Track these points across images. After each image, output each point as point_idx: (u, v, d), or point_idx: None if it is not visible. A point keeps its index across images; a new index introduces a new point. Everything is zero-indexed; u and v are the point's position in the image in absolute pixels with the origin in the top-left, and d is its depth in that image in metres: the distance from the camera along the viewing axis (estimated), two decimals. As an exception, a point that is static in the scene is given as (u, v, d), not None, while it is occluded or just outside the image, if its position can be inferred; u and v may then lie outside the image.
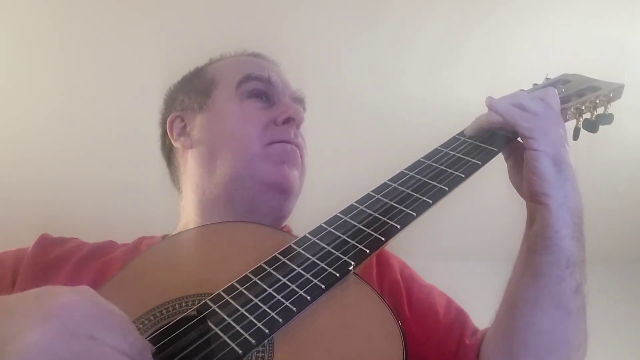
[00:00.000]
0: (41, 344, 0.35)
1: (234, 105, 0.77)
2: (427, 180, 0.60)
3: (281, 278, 0.51)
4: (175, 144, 0.81)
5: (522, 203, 0.65)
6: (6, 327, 0.36)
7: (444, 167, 0.62)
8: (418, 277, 0.78)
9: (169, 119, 0.82)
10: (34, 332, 0.35)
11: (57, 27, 1.80)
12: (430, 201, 0.58)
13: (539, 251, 0.60)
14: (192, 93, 0.82)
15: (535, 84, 0.79)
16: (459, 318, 0.72)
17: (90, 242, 0.76)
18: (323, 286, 0.49)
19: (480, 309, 0.74)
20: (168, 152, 0.85)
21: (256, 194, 0.73)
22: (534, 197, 0.61)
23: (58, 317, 0.37)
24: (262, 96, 0.78)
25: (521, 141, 0.67)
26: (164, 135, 0.84)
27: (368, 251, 0.53)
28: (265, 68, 0.80)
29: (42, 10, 1.75)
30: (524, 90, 0.74)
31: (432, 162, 0.63)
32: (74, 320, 0.37)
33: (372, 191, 0.61)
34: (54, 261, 0.71)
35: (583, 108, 0.72)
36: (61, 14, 1.75)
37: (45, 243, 0.74)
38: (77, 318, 0.37)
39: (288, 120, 0.76)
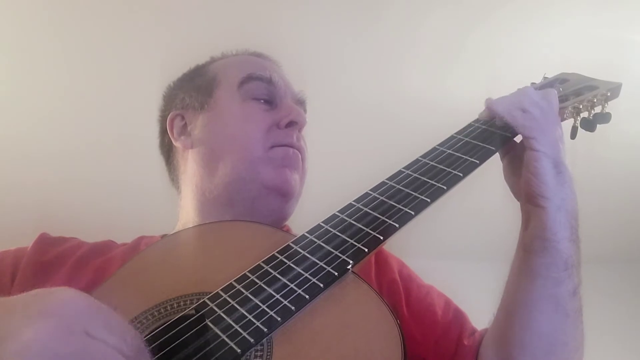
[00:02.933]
0: (39, 342, 0.35)
1: (236, 106, 0.77)
2: (425, 179, 0.60)
3: (280, 277, 0.51)
4: (176, 143, 0.80)
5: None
6: (4, 325, 0.36)
7: (442, 165, 0.62)
8: (417, 277, 0.78)
9: (169, 117, 0.81)
10: (31, 329, 0.35)
11: (56, 26, 1.80)
12: (429, 200, 0.58)
13: (536, 253, 0.60)
14: (192, 91, 0.81)
15: (533, 83, 0.79)
16: (457, 318, 0.72)
17: (89, 241, 0.76)
18: (322, 285, 0.50)
19: (479, 309, 0.74)
20: (167, 150, 0.84)
21: (257, 197, 0.73)
22: (531, 198, 0.61)
23: (55, 315, 0.37)
24: (265, 97, 0.78)
25: (517, 141, 0.67)
26: (163, 132, 0.84)
27: (366, 250, 0.53)
28: (267, 68, 0.80)
29: (42, 10, 1.75)
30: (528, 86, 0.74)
31: (430, 160, 0.63)
32: (70, 317, 0.37)
33: (370, 190, 0.61)
34: (53, 260, 0.71)
35: (581, 107, 0.73)
36: (61, 13, 1.75)
37: (45, 242, 0.74)
38: (73, 315, 0.37)
39: (291, 124, 0.75)
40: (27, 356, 0.34)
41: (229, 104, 0.77)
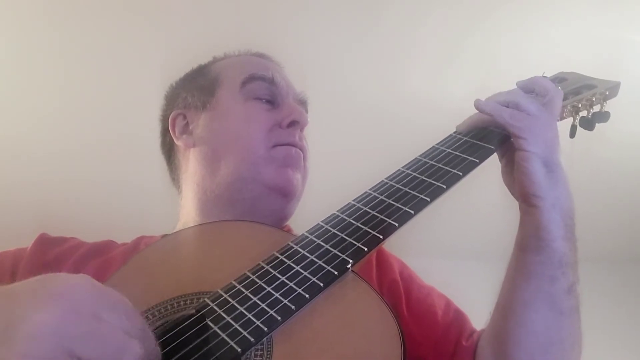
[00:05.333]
0: (49, 324, 0.35)
1: (238, 105, 0.77)
2: (424, 178, 0.60)
3: (280, 276, 0.51)
4: (177, 142, 0.80)
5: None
6: (13, 310, 0.37)
7: (441, 164, 0.62)
8: (417, 278, 0.78)
9: (171, 116, 0.81)
10: (42, 313, 0.36)
11: (56, 26, 1.80)
12: (428, 199, 0.58)
13: (530, 251, 0.61)
14: (195, 91, 0.81)
15: (532, 83, 0.79)
16: (457, 319, 0.72)
17: (89, 241, 0.76)
18: (321, 284, 0.50)
19: (478, 309, 0.74)
20: (168, 149, 0.84)
21: (258, 197, 0.73)
22: (525, 198, 0.62)
23: (63, 298, 0.37)
24: (267, 97, 0.78)
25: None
26: (165, 132, 0.84)
27: (366, 249, 0.53)
28: (269, 68, 0.80)
29: (42, 10, 1.75)
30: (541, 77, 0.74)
31: (429, 159, 0.63)
32: (79, 300, 0.38)
33: (370, 189, 0.61)
34: (53, 260, 0.71)
35: (579, 106, 0.73)
36: (61, 13, 1.76)
37: (44, 242, 0.74)
38: (82, 298, 0.38)
39: (293, 124, 0.76)
40: (39, 339, 0.35)
41: (231, 103, 0.77)
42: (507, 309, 0.62)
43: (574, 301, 0.61)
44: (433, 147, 0.66)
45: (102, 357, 0.36)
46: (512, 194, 0.67)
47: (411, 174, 0.62)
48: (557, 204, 0.60)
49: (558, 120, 0.71)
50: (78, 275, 0.41)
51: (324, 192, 1.28)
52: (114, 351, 0.37)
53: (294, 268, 0.52)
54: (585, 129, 0.73)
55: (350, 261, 0.52)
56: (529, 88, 0.68)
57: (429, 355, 0.69)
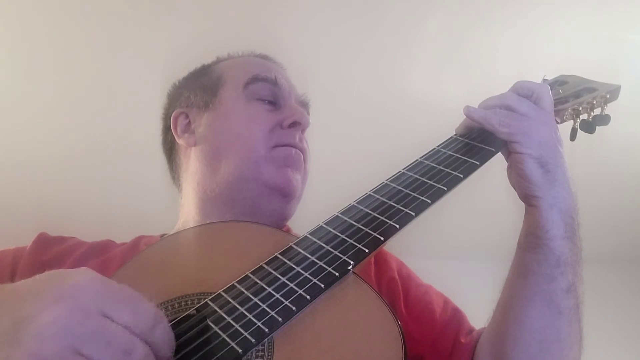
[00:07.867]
0: (56, 324, 0.36)
1: (240, 105, 0.77)
2: (426, 180, 0.61)
3: (281, 277, 0.51)
4: (179, 141, 0.81)
5: (520, 203, 0.65)
6: (20, 310, 0.37)
7: (443, 167, 0.62)
8: (415, 277, 0.78)
9: (173, 115, 0.82)
10: (49, 312, 0.36)
11: (57, 25, 1.80)
12: (429, 201, 0.58)
13: (529, 250, 0.61)
14: (198, 90, 0.81)
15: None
16: (456, 317, 0.73)
17: (88, 241, 0.77)
18: (322, 285, 0.50)
19: (478, 309, 0.74)
20: (169, 148, 0.85)
21: (258, 196, 0.73)
22: (524, 198, 0.63)
23: (70, 297, 0.38)
24: (269, 98, 0.78)
25: None
26: (166, 130, 0.84)
27: (367, 251, 0.53)
28: (272, 70, 0.81)
29: (43, 9, 1.75)
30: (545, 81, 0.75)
31: (430, 162, 0.63)
32: (85, 299, 0.38)
33: (371, 191, 0.61)
34: (52, 259, 0.71)
35: (580, 109, 0.73)
36: (61, 13, 1.75)
37: (44, 242, 0.74)
38: (88, 297, 0.38)
39: (294, 124, 0.76)
40: (46, 338, 0.36)
41: (233, 103, 0.78)
42: (506, 306, 0.63)
43: (573, 301, 0.61)
44: (434, 149, 0.66)
45: (108, 357, 0.37)
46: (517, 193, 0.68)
47: (412, 176, 0.62)
48: (556, 203, 0.60)
49: (559, 123, 0.71)
50: (83, 271, 0.41)
51: (324, 192, 1.28)
52: (120, 351, 0.37)
53: (295, 269, 0.52)
54: (585, 131, 0.73)
55: (352, 262, 0.52)
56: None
57: (428, 353, 0.69)
